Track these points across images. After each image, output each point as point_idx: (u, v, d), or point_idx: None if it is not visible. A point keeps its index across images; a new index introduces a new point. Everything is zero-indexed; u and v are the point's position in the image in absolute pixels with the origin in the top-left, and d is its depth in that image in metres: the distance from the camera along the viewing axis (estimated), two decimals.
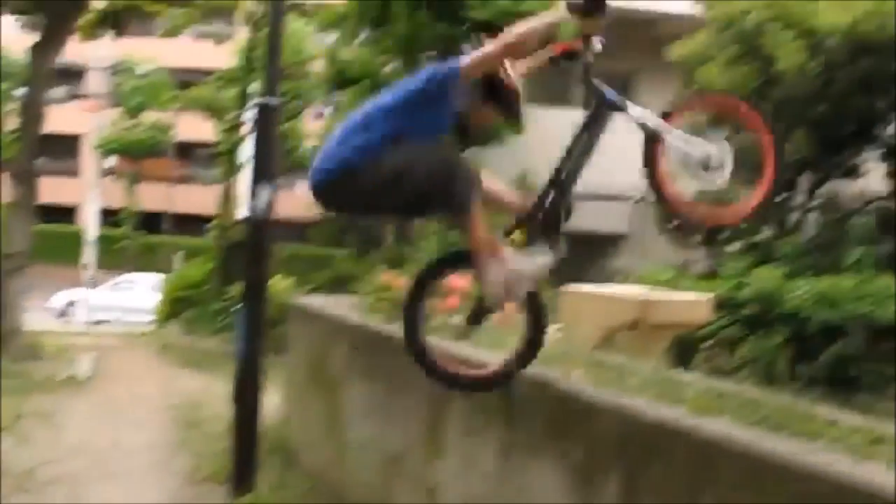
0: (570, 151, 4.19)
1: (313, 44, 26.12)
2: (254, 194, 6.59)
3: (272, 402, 7.35)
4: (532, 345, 3.97)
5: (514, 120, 4.36)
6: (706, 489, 2.92)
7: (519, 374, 3.93)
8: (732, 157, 3.74)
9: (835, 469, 2.54)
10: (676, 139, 3.86)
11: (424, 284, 4.21)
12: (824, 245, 10.68)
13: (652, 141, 3.97)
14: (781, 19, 11.46)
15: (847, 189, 11.86)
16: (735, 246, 11.04)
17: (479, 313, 4.15)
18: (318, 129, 19.45)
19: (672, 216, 4.38)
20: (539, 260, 4.01)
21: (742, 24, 11.74)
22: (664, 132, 3.90)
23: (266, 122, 6.74)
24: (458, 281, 4.54)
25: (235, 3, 20.20)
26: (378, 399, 5.54)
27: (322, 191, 4.13)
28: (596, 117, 4.19)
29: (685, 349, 5.21)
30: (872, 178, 12.05)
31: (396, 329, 5.65)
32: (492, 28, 4.22)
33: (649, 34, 15.20)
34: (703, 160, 3.81)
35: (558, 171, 4.17)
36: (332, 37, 17.39)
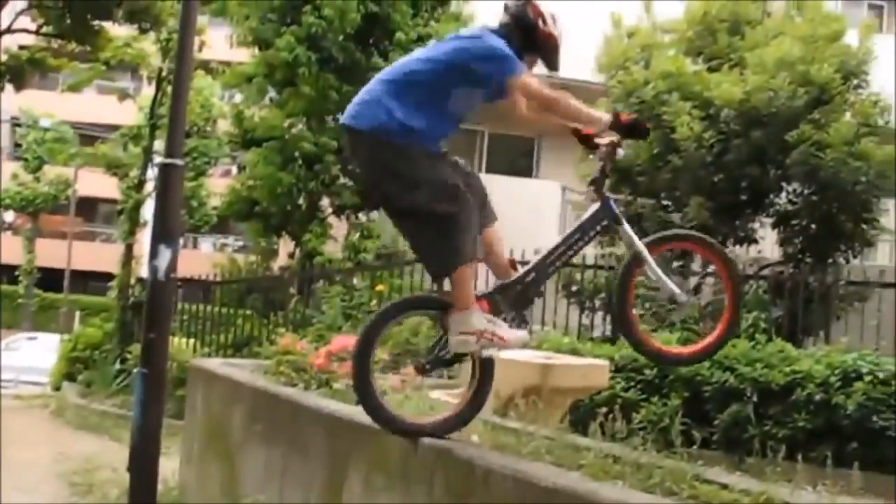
0: (562, 244, 4.41)
1: (220, 102, 26.10)
2: (155, 253, 6.53)
3: (170, 467, 7.19)
4: (475, 404, 4.12)
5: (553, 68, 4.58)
6: None
7: (422, 439, 3.96)
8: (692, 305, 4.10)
9: None
10: (654, 269, 4.27)
11: (377, 332, 4.25)
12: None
13: (634, 262, 4.34)
14: (679, 90, 11.84)
15: (742, 255, 12.21)
16: (636, 310, 11.24)
17: (432, 364, 4.28)
18: (223, 187, 19.29)
19: (629, 338, 4.62)
20: (520, 333, 4.18)
21: (642, 94, 12.08)
22: (647, 259, 4.28)
23: (169, 181, 6.70)
24: (352, 343, 4.48)
25: (141, 59, 20.07)
26: (277, 463, 5.48)
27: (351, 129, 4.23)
28: (594, 221, 4.43)
29: (584, 414, 5.28)
30: (766, 244, 12.43)
31: (296, 392, 5.64)
32: None
33: None
34: (670, 295, 4.35)
35: (547, 257, 4.38)
36: (238, 96, 17.37)
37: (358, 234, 14.99)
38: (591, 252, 12.31)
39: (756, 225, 12.22)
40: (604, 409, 4.74)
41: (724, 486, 3.10)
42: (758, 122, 11.47)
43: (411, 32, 14.63)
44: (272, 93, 15.77)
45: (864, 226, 11.78)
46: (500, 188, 16.09)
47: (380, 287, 11.23)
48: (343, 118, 4.30)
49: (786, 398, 8.47)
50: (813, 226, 11.88)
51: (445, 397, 4.86)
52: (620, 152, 4.43)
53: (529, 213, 15.13)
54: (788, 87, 11.38)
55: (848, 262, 11.81)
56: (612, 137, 4.38)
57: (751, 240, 12.11)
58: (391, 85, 4.24)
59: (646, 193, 11.91)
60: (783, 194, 12.11)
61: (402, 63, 4.40)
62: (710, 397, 8.66)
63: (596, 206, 4.44)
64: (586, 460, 3.42)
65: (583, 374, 5.77)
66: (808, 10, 12.96)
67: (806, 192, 11.85)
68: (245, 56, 16.58)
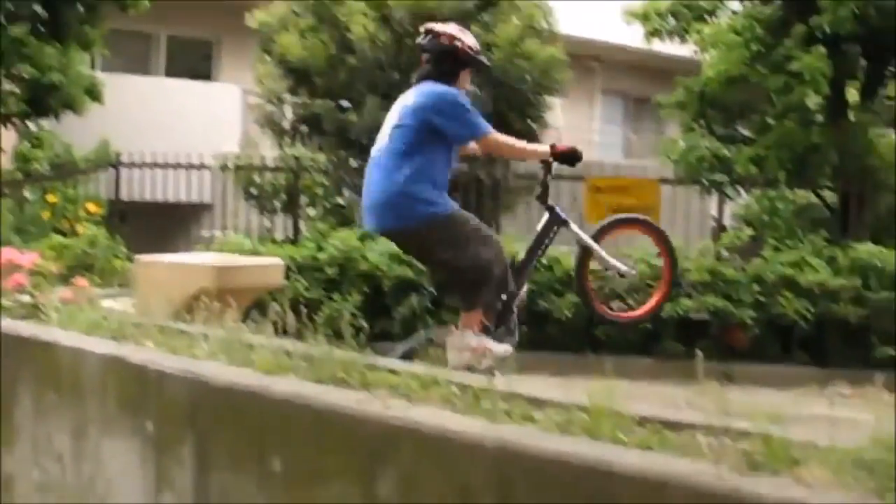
0: (527, 258, 5.59)
1: None
2: None
3: None
4: None
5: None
6: (278, 445, 3.01)
7: (88, 351, 3.83)
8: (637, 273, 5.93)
9: (392, 413, 2.71)
10: (601, 256, 5.59)
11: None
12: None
13: (585, 253, 5.63)
14: None
15: None
16: (316, 211, 11.34)
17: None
18: None
19: (588, 308, 6.03)
20: (503, 347, 5.16)
21: None
22: (595, 248, 5.58)
23: None
24: (21, 258, 4.28)
25: None
26: None
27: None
28: (548, 230, 5.59)
29: (261, 313, 5.30)
30: None
31: None
32: None
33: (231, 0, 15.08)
34: (618, 271, 5.73)
35: (517, 273, 5.43)
36: None
37: (28, 144, 14.00)
38: (269, 154, 12.25)
39: None
40: (278, 307, 4.78)
41: (394, 372, 3.22)
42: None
43: None
44: None
45: (531, 122, 12.42)
46: (179, 92, 15.59)
47: (52, 198, 10.65)
48: (371, 227, 5.42)
49: None
50: None
51: (118, 306, 4.73)
52: (554, 166, 5.60)
53: (210, 117, 14.77)
54: None
55: None
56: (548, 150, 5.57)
57: None
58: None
59: (324, 95, 11.92)
60: None
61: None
62: (389, 291, 8.94)
63: (546, 216, 5.58)
64: (261, 357, 3.44)
65: (257, 274, 5.78)
66: None
67: (477, 90, 12.28)
68: None
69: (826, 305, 8.80)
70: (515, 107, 12.10)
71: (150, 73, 17.28)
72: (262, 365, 3.32)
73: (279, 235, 11.39)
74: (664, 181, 10.69)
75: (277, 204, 11.71)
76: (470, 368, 4.94)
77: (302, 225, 11.28)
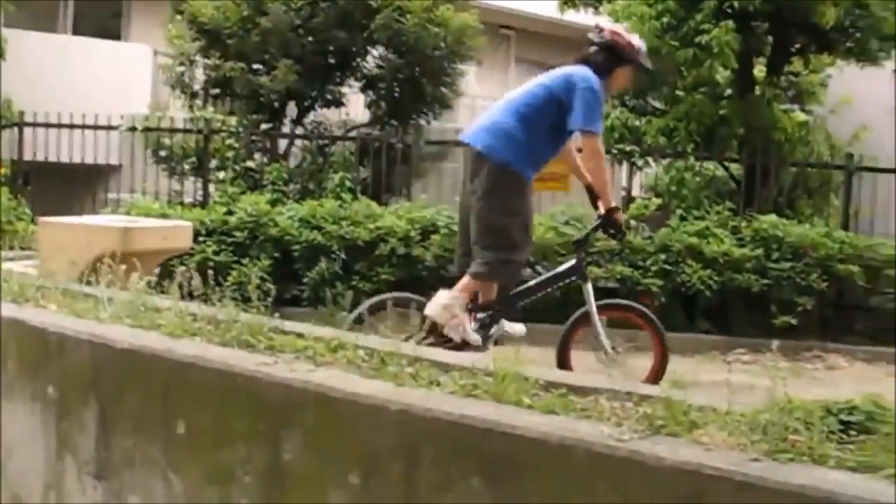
0: (535, 286, 5.72)
1: None
2: None
3: None
4: None
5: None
6: (184, 409, 2.98)
7: None
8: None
9: (296, 377, 2.71)
10: (596, 326, 5.62)
11: None
12: (309, 171, 11.17)
13: (583, 316, 5.71)
14: None
15: (330, 118, 12.46)
16: (226, 174, 11.19)
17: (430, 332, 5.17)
18: None
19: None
20: (517, 327, 5.51)
21: None
22: (594, 316, 5.62)
23: None
24: None
25: None
26: None
27: None
28: (566, 275, 5.74)
29: (167, 276, 5.22)
30: (355, 107, 12.76)
31: None
32: None
33: None
34: (603, 349, 5.60)
35: (517, 296, 5.61)
36: None
37: None
38: (179, 115, 12.03)
39: (344, 88, 12.47)
40: (185, 270, 4.72)
41: (300, 335, 3.21)
42: None
43: None
44: None
45: (444, 89, 12.40)
46: (89, 52, 15.15)
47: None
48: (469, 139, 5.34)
49: (371, 253, 8.89)
50: (398, 89, 12.32)
51: (19, 269, 4.62)
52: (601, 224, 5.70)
53: (119, 77, 14.43)
54: None
55: (429, 123, 12.42)
56: (610, 208, 5.61)
57: (339, 102, 12.36)
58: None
59: (235, 56, 11.72)
60: (370, 58, 12.42)
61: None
62: (299, 256, 8.89)
63: (573, 262, 5.73)
64: (166, 320, 3.40)
65: (164, 236, 5.69)
66: None
67: (391, 56, 12.23)
68: None
69: (729, 275, 8.99)
70: (429, 74, 12.07)
71: (58, 31, 16.78)
72: (168, 328, 3.28)
73: (189, 199, 11.22)
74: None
75: (187, 167, 11.53)
76: (438, 330, 5.14)
77: (212, 188, 11.13)
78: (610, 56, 5.50)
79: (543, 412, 2.42)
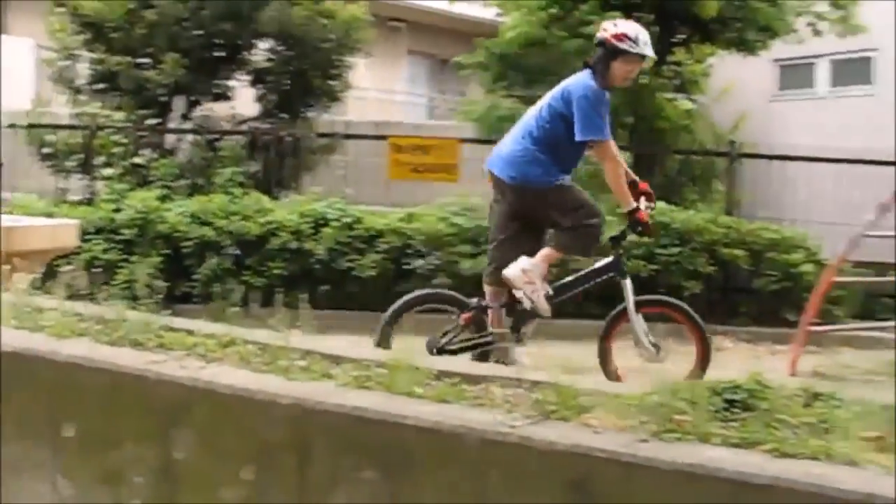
0: (573, 282, 5.82)
1: None
2: None
3: None
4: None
5: None
6: (72, 411, 2.92)
7: None
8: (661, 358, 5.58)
9: (186, 374, 2.68)
10: (635, 322, 5.63)
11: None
12: (198, 166, 10.99)
13: (622, 312, 5.71)
14: None
15: (219, 112, 12.28)
16: (114, 171, 10.94)
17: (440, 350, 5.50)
18: None
19: (602, 368, 5.79)
20: (545, 303, 5.50)
21: None
22: (632, 312, 5.63)
23: None
24: None
25: None
26: None
27: None
28: (603, 272, 5.77)
29: (52, 276, 5.10)
30: (244, 101, 12.60)
31: None
32: None
33: None
34: (641, 344, 5.61)
35: (558, 291, 5.68)
36: None
37: None
38: (64, 112, 11.72)
39: (233, 82, 12.30)
40: (70, 269, 4.62)
41: (190, 332, 3.18)
42: None
43: None
44: None
45: (332, 81, 12.33)
46: None
47: None
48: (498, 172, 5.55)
49: (262, 247, 8.81)
50: (286, 82, 12.20)
51: None
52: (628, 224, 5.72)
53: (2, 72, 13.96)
54: None
55: (319, 116, 12.33)
56: (630, 209, 5.63)
57: (227, 96, 12.19)
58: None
59: (121, 51, 11.45)
60: (258, 51, 12.28)
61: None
62: (190, 253, 8.76)
63: (610, 259, 5.74)
64: (51, 321, 3.33)
65: (49, 236, 5.54)
66: None
67: (279, 49, 12.11)
68: None
69: None
70: (317, 66, 11.98)
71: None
72: (53, 329, 3.21)
73: (76, 196, 10.93)
74: (465, 141, 10.84)
75: (73, 164, 11.22)
76: (517, 296, 5.46)
77: (99, 185, 10.86)
78: (604, 52, 5.51)
79: (435, 401, 2.44)
